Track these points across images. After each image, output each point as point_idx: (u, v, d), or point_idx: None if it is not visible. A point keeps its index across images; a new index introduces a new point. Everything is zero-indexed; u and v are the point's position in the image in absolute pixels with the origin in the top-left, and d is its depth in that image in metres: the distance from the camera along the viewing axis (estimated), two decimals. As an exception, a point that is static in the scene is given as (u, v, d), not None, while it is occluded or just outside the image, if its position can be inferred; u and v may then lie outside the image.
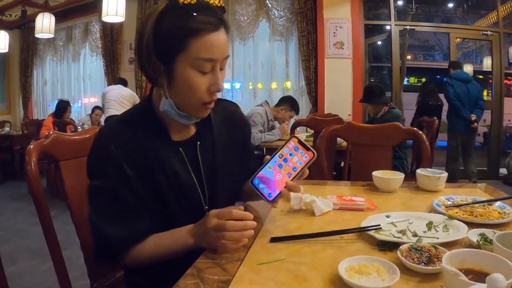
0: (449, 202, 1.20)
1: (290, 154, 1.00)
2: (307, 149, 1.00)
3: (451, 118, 5.16)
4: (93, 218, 1.00)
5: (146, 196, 1.01)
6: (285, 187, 0.97)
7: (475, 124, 4.98)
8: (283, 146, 1.01)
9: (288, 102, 4.25)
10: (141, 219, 1.00)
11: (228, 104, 1.27)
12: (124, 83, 5.82)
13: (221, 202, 1.03)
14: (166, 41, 0.95)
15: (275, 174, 0.99)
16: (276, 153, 1.00)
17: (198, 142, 1.12)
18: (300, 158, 0.99)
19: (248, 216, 0.90)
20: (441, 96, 5.57)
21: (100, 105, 6.29)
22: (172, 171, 1.04)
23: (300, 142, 1.01)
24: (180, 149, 1.08)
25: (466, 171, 5.27)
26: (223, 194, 1.12)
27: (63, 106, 5.78)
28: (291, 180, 0.98)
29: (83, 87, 7.76)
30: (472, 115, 4.98)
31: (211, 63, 0.97)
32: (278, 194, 0.97)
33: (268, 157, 1.01)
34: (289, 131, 3.82)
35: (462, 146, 5.19)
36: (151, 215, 1.02)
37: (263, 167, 1.00)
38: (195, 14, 0.94)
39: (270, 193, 0.98)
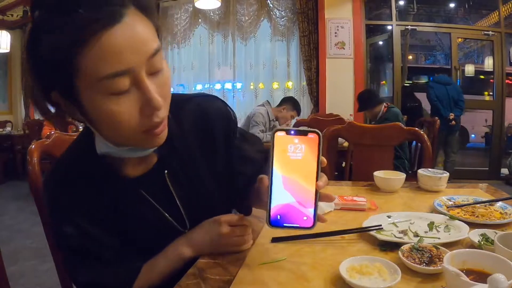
0: (450, 202, 1.20)
1: (290, 155, 0.71)
2: (305, 133, 0.72)
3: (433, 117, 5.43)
4: (75, 273, 0.88)
5: (116, 244, 0.87)
6: (316, 193, 0.73)
7: (453, 122, 5.33)
8: (273, 150, 0.71)
9: (290, 102, 4.25)
10: (123, 260, 0.87)
11: (196, 103, 0.97)
12: None
13: None
14: (50, 71, 0.66)
15: (292, 192, 0.73)
16: (272, 164, 0.71)
17: (166, 171, 0.89)
18: (306, 150, 0.71)
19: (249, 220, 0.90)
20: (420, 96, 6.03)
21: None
22: (137, 217, 0.87)
23: (290, 131, 0.72)
24: (141, 189, 0.87)
25: (444, 164, 5.59)
26: (210, 215, 0.92)
27: None
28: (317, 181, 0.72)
29: (84, 87, 7.75)
30: (451, 114, 5.31)
31: (126, 77, 0.65)
32: (315, 212, 0.73)
33: (264, 178, 0.73)
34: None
35: (444, 143, 5.47)
36: (128, 255, 0.88)
37: (271, 196, 0.72)
38: (71, 16, 0.61)
39: (304, 219, 0.73)
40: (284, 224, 0.73)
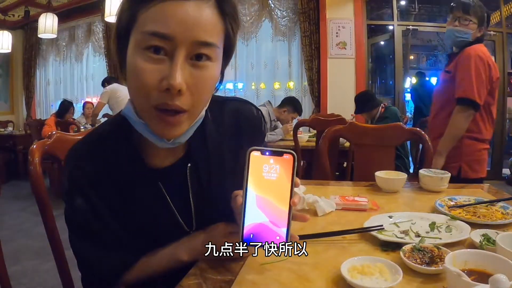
0: (452, 203, 1.20)
1: (265, 175, 0.71)
2: (280, 154, 0.71)
3: (416, 117, 6.12)
4: (76, 248, 0.88)
5: (121, 229, 0.87)
6: (289, 212, 0.72)
7: None
8: (248, 171, 0.71)
9: (291, 104, 4.25)
10: (124, 247, 0.87)
11: (238, 105, 0.99)
12: None
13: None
14: (120, 16, 0.76)
15: (265, 212, 0.72)
16: (247, 183, 0.71)
17: (189, 164, 0.90)
18: (280, 171, 0.71)
19: None
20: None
21: (92, 101, 6.39)
22: (148, 206, 0.88)
23: (265, 152, 0.71)
24: (159, 182, 0.88)
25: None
26: (217, 221, 0.88)
27: (65, 106, 5.80)
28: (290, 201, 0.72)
29: (86, 87, 7.78)
30: None
31: (163, 42, 0.70)
32: (287, 231, 0.72)
33: (238, 196, 0.74)
34: (291, 131, 3.83)
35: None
36: (131, 244, 0.88)
37: (244, 214, 0.72)
38: None
39: (277, 238, 0.72)
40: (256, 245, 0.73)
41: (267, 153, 0.71)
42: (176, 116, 0.75)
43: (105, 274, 0.88)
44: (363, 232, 0.98)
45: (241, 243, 0.73)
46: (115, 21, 0.79)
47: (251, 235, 0.72)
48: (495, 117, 2.29)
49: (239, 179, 0.74)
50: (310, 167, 3.96)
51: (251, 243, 0.72)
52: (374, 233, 0.95)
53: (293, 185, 0.71)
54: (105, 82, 5.74)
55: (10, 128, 7.25)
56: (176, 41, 0.70)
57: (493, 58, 2.29)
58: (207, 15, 0.73)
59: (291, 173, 0.71)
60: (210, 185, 0.92)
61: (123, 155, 0.86)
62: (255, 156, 0.71)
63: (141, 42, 0.72)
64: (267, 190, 0.71)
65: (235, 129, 0.96)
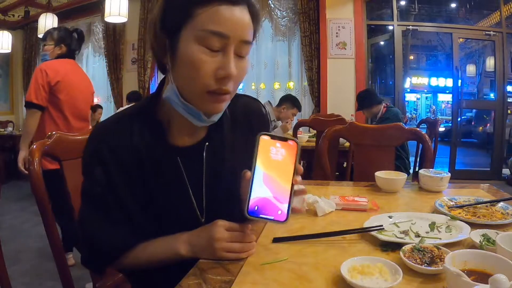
0: (452, 203, 1.20)
1: (272, 156, 0.80)
2: (286, 140, 0.80)
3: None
4: (84, 220, 0.93)
5: (135, 205, 0.92)
6: (291, 190, 0.79)
7: None
8: (257, 151, 0.79)
9: (288, 101, 4.25)
10: (131, 226, 0.91)
11: (249, 100, 1.12)
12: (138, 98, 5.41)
13: (221, 215, 0.90)
14: (171, 11, 0.85)
15: (270, 188, 0.79)
16: (255, 163, 0.79)
17: (207, 143, 0.98)
18: (285, 154, 0.80)
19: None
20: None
21: (100, 104, 6.33)
22: (164, 182, 0.93)
23: (273, 137, 0.80)
24: (178, 158, 0.94)
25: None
26: (225, 206, 0.95)
27: None
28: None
29: (86, 88, 7.76)
30: None
31: (220, 40, 0.82)
32: (288, 207, 0.78)
33: (248, 172, 0.82)
34: (291, 130, 3.82)
35: None
36: (142, 223, 0.93)
37: (251, 188, 0.79)
38: None
39: (279, 213, 0.78)
40: (260, 216, 0.79)
41: (275, 138, 0.80)
42: (224, 96, 0.88)
43: (106, 250, 0.92)
44: (363, 232, 0.98)
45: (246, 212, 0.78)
46: (156, 14, 0.88)
47: (256, 207, 0.79)
48: (67, 113, 2.77)
49: (246, 167, 0.83)
50: (310, 167, 3.96)
51: (254, 217, 0.79)
52: (374, 233, 0.95)
53: (296, 167, 0.79)
54: (127, 99, 5.47)
55: (10, 128, 7.24)
56: (229, 39, 0.83)
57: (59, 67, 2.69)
58: (248, 19, 0.86)
59: (295, 157, 0.79)
60: (223, 167, 0.99)
61: (148, 133, 0.93)
62: (264, 139, 0.80)
63: (202, 38, 0.82)
64: (273, 169, 0.80)
65: (246, 122, 1.06)
